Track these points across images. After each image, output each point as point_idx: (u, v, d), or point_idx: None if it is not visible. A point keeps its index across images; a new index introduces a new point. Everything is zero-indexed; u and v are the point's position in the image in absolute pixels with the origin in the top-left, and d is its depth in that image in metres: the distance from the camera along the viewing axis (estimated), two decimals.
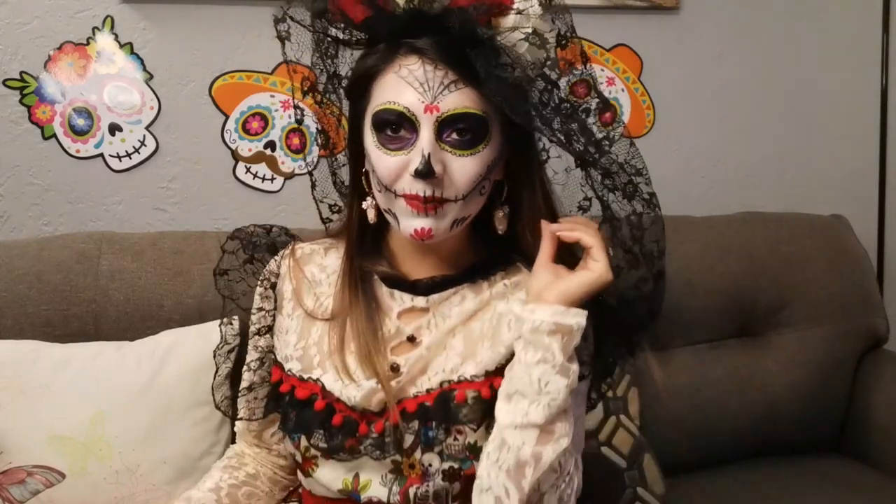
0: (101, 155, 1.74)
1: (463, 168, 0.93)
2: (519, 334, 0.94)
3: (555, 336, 0.91)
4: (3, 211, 1.72)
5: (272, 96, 1.81)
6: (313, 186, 1.07)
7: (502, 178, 1.00)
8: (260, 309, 1.10)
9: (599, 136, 0.94)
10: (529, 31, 0.92)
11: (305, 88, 1.00)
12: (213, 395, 1.19)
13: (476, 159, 0.94)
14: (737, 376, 1.78)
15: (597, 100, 0.95)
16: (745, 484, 1.69)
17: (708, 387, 1.76)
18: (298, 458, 1.04)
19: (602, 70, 2.00)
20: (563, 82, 0.95)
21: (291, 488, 1.20)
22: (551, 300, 0.92)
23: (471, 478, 0.96)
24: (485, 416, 0.96)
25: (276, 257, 1.11)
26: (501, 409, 0.93)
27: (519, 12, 0.92)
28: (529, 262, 1.00)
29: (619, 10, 1.98)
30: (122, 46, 1.73)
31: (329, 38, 0.98)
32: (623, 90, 2.02)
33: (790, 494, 1.64)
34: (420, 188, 0.92)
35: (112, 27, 1.72)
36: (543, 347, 0.91)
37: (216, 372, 1.23)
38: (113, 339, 1.47)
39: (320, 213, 1.09)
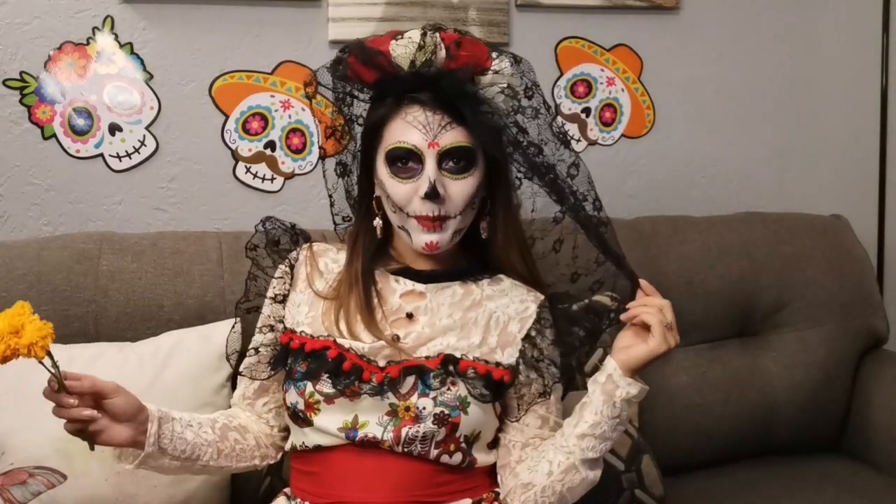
0: (101, 155, 1.74)
1: (459, 188, 1.16)
2: (600, 384, 1.15)
3: (631, 404, 1.16)
4: (3, 211, 1.71)
5: (272, 96, 1.81)
6: (332, 204, 1.29)
7: (486, 195, 1.23)
8: (282, 278, 1.27)
9: (568, 161, 1.19)
10: (504, 85, 1.18)
11: (328, 134, 1.26)
12: (226, 347, 1.31)
13: (468, 181, 1.17)
14: (737, 376, 1.78)
15: (559, 136, 1.20)
16: (745, 484, 1.69)
17: (708, 387, 1.76)
18: (301, 405, 1.17)
19: (602, 70, 2.00)
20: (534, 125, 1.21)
21: (268, 461, 1.29)
22: (631, 368, 1.14)
23: (455, 426, 1.15)
24: (485, 386, 1.16)
25: (297, 247, 1.30)
26: (576, 446, 1.15)
27: (495, 72, 1.18)
28: (506, 271, 1.26)
29: (619, 10, 1.98)
30: (122, 46, 1.73)
31: (347, 95, 1.23)
32: (623, 90, 2.02)
33: (790, 494, 1.65)
34: (429, 209, 1.15)
35: (112, 27, 1.72)
36: (620, 409, 1.15)
37: (233, 325, 1.32)
38: (113, 340, 1.47)
39: (335, 223, 1.31)
